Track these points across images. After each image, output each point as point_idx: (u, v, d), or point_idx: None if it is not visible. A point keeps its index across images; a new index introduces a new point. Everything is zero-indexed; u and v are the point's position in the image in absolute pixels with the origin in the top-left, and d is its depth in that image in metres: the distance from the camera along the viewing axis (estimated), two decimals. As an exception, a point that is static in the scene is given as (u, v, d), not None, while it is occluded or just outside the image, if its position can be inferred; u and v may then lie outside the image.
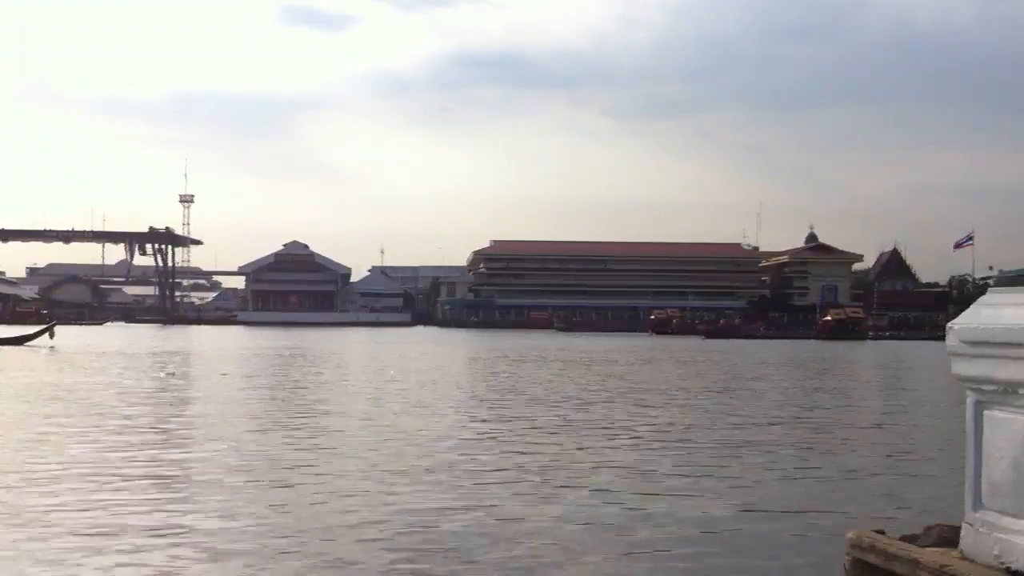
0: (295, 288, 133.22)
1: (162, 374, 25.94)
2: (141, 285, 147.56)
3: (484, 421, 15.19)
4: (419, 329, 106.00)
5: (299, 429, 13.61)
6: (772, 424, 15.46)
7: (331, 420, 14.95)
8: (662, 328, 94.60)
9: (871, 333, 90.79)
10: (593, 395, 20.70)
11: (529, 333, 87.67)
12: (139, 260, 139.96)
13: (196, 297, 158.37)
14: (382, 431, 13.44)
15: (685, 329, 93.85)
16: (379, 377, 25.79)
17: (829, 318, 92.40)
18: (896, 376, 33.32)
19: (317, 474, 9.80)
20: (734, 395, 21.52)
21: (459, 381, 25.24)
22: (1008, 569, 3.17)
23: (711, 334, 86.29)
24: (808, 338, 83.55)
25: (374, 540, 6.98)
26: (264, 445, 11.92)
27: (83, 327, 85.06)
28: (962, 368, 3.44)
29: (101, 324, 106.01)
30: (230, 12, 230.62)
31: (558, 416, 16.01)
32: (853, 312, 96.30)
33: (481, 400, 19.18)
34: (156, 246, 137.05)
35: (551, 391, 21.53)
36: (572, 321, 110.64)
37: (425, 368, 30.55)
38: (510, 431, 13.78)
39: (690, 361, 38.61)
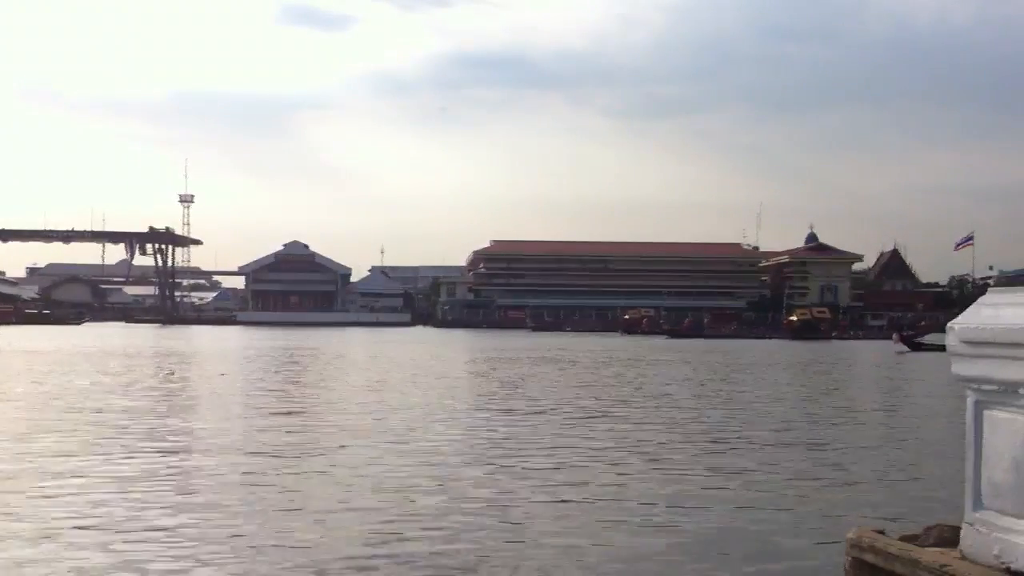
0: (295, 288, 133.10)
1: (162, 376, 25.90)
2: (141, 285, 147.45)
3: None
4: (419, 329, 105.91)
5: (296, 431, 13.62)
6: (765, 423, 15.46)
7: (330, 421, 14.94)
8: (633, 328, 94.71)
9: (834, 333, 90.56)
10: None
11: (500, 333, 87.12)
12: (139, 260, 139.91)
13: (196, 297, 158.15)
14: (378, 432, 13.45)
15: (654, 329, 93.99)
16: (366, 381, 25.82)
17: (794, 318, 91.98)
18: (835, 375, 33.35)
19: (315, 475, 9.80)
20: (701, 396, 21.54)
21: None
22: (1008, 569, 3.16)
23: (675, 334, 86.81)
24: (773, 338, 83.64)
25: (374, 540, 6.98)
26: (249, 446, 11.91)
27: (58, 327, 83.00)
28: (962, 368, 3.43)
29: (79, 324, 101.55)
30: (230, 12, 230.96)
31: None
32: (819, 312, 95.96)
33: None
34: (156, 246, 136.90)
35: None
36: (544, 321, 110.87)
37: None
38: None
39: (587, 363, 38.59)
